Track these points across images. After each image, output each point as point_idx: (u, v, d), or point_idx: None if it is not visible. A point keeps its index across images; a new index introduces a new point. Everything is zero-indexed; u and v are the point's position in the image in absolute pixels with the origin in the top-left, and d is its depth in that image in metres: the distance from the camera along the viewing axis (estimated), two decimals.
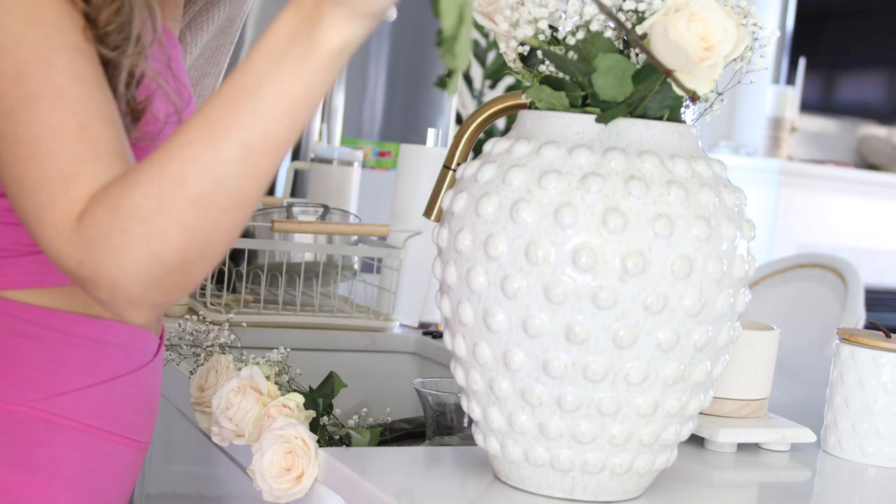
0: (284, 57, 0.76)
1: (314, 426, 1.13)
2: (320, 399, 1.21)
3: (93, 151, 0.79)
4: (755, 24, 0.97)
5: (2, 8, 0.80)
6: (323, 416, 1.21)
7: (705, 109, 1.01)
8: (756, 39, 0.98)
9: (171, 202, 0.76)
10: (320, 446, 1.07)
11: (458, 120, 3.46)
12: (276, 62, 0.76)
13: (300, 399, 1.13)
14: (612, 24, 0.94)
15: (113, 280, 0.77)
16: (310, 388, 1.24)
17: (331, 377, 1.24)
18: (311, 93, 0.77)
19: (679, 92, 0.89)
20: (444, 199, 1.01)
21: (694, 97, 0.87)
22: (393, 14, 1.20)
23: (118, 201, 0.76)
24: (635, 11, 0.93)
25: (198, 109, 0.78)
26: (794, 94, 4.68)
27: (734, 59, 0.97)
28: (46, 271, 0.95)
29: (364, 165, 2.68)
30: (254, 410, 1.12)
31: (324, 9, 0.75)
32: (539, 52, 0.97)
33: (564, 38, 0.95)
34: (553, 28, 0.96)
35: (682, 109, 1.00)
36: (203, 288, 1.67)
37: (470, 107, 3.86)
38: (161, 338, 1.11)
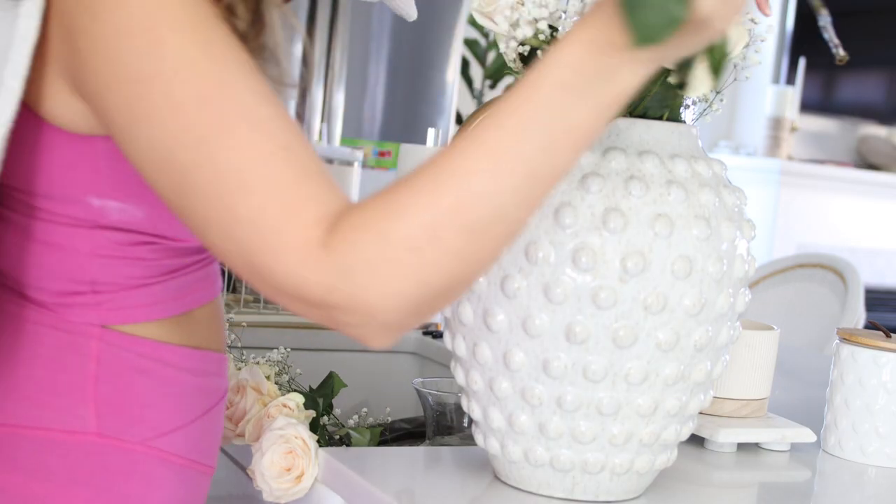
0: (577, 92, 0.73)
1: (314, 426, 1.13)
2: (320, 399, 1.21)
3: (305, 172, 0.75)
4: (752, 20, 0.97)
5: (167, 29, 0.75)
6: (323, 416, 1.21)
7: (704, 109, 1.01)
8: (751, 34, 0.97)
9: (446, 232, 0.73)
10: (320, 446, 1.07)
11: (458, 120, 3.47)
12: (568, 97, 0.73)
13: (300, 399, 1.13)
14: None
15: (372, 308, 0.73)
16: (310, 388, 1.24)
17: (331, 377, 1.24)
18: (600, 128, 0.75)
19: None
20: None
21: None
22: (413, 14, 1.18)
23: (385, 229, 0.73)
24: None
25: (468, 136, 0.75)
26: (794, 94, 4.68)
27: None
28: (157, 303, 0.92)
29: (364, 165, 2.67)
30: (254, 410, 1.12)
31: (623, 48, 0.73)
32: (539, 52, 0.97)
33: None
34: (553, 28, 0.96)
35: (682, 109, 1.00)
36: None
37: (470, 107, 3.86)
38: None
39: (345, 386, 1.24)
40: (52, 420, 0.89)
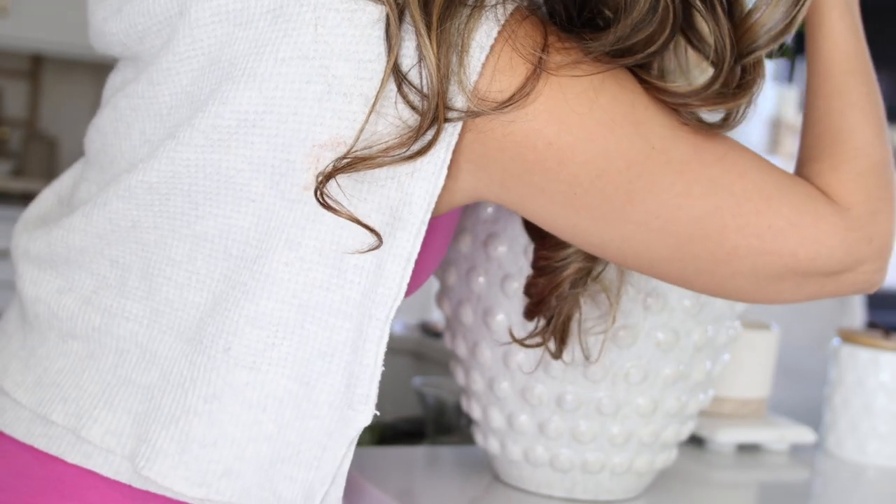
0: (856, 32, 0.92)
1: None
2: None
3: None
4: None
5: (641, 106, 0.76)
6: None
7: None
8: None
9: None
10: None
11: None
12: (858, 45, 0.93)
13: None
14: None
15: (888, 245, 0.81)
16: None
17: None
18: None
19: None
20: None
21: None
22: None
23: (869, 167, 0.81)
24: None
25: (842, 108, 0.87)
26: (794, 93, 4.68)
27: None
28: None
29: None
30: None
31: None
32: None
33: None
34: None
35: None
36: None
37: None
38: None
39: None
40: None
